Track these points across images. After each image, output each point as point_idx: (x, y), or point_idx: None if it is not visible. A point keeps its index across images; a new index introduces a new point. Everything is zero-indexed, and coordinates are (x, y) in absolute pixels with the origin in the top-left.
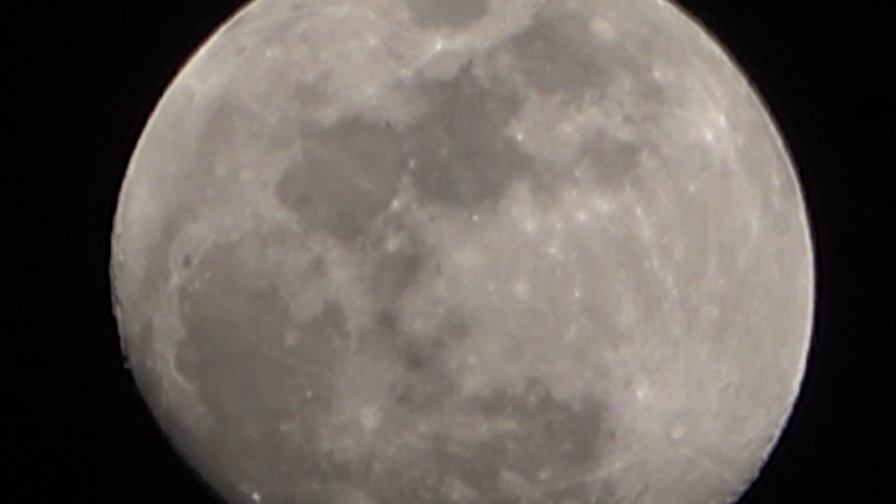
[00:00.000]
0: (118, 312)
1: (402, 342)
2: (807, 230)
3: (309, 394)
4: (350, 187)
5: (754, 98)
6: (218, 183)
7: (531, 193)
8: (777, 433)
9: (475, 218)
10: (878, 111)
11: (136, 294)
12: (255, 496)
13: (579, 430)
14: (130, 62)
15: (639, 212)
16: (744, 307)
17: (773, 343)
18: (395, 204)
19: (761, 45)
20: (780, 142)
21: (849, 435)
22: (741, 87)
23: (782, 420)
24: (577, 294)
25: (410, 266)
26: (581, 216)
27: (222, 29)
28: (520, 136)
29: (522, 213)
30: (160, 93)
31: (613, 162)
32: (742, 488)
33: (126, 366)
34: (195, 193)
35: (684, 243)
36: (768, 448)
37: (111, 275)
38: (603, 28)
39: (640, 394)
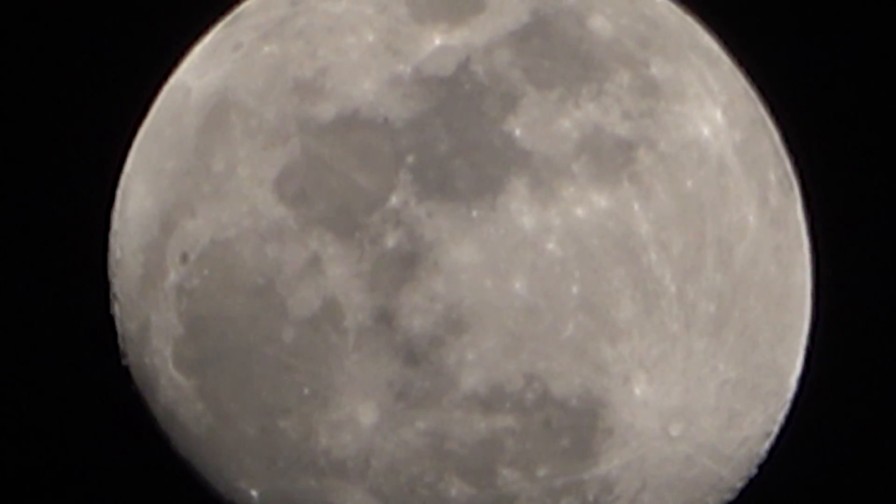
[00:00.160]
0: (116, 309)
1: (400, 339)
2: (804, 226)
3: (307, 390)
4: (348, 183)
5: (752, 94)
6: (215, 179)
7: (529, 189)
8: (775, 430)
9: (473, 214)
10: (876, 107)
11: (133, 291)
12: (253, 492)
13: (577, 426)
14: (128, 58)
15: (636, 208)
16: (741, 303)
17: (770, 339)
18: (393, 200)
19: (758, 40)
20: (777, 138)
21: (846, 431)
22: (738, 82)
23: (780, 416)
24: (574, 290)
25: (408, 262)
26: (579, 212)
27: (220, 25)
28: (518, 132)
29: (520, 209)
30: (157, 89)
31: (611, 158)
32: (740, 485)
33: (124, 362)
34: (193, 190)
35: (682, 239)
36: (766, 445)
37: (109, 271)
38: (600, 24)
39: (637, 390)
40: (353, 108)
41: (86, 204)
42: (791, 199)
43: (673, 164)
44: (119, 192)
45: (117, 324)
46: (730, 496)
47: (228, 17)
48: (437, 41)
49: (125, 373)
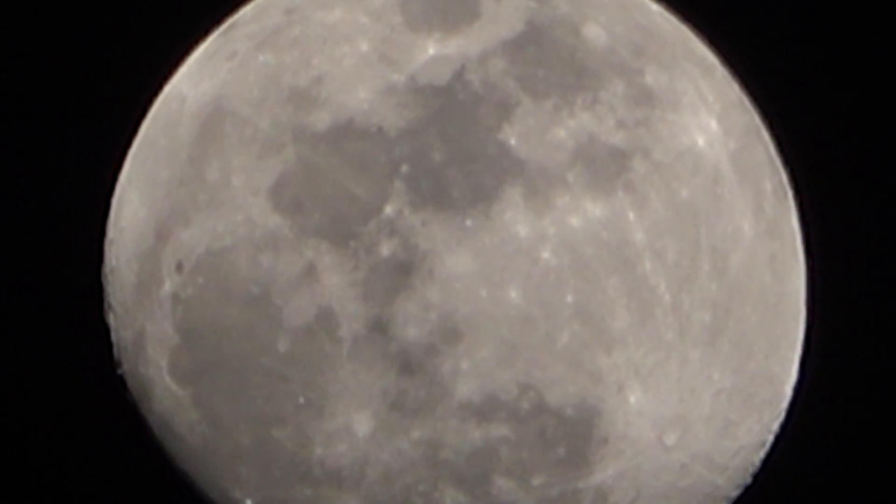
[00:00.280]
0: (111, 318)
1: (394, 348)
2: (799, 235)
3: (301, 400)
4: (343, 192)
5: (746, 103)
6: (210, 188)
7: (524, 198)
8: (769, 439)
9: (468, 223)
10: (871, 116)
11: (128, 300)
12: (248, 502)
13: (572, 435)
14: (123, 67)
15: (631, 216)
16: (736, 312)
17: (765, 348)
18: (388, 209)
19: (753, 49)
20: (772, 146)
21: (841, 440)
22: (733, 91)
23: (775, 425)
24: (569, 299)
25: (403, 271)
26: (574, 221)
27: (215, 34)
28: (512, 141)
29: (515, 218)
30: (153, 98)
31: (606, 167)
32: (735, 494)
33: (119, 372)
34: (188, 199)
35: (677, 248)
36: (761, 454)
37: (104, 281)
38: (595, 33)
39: (632, 399)
40: (348, 117)
41: (81, 212)
42: (786, 208)
43: (667, 173)
44: (114, 201)
45: (112, 333)
46: None
47: (223, 26)
48: (432, 50)
49: (120, 382)
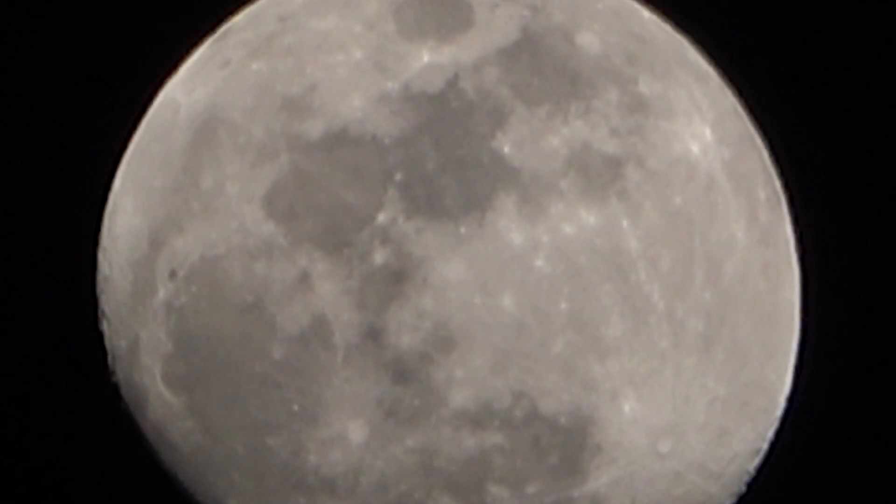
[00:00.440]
0: (105, 326)
1: (388, 356)
2: (793, 243)
3: (296, 408)
4: (336, 200)
5: (740, 110)
6: (204, 196)
7: (517, 206)
8: (764, 447)
9: (462, 231)
10: (865, 124)
11: (122, 308)
12: None
13: (566, 443)
14: (116, 75)
15: (625, 224)
16: (730, 320)
17: (759, 356)
18: (382, 217)
19: (747, 57)
20: (766, 154)
21: (836, 448)
22: (727, 99)
23: (769, 434)
24: (563, 307)
25: (397, 279)
26: (567, 229)
27: (208, 41)
28: (506, 149)
29: (509, 226)
30: (146, 105)
31: (599, 174)
32: (729, 502)
33: (113, 380)
34: (181, 207)
35: (670, 256)
36: (755, 462)
37: (97, 289)
38: (589, 41)
39: (626, 407)
40: (342, 125)
41: (74, 220)
42: (780, 215)
43: (661, 181)
44: (108, 209)
45: (106, 341)
46: None
47: (217, 34)
48: (426, 58)
49: (114, 390)
